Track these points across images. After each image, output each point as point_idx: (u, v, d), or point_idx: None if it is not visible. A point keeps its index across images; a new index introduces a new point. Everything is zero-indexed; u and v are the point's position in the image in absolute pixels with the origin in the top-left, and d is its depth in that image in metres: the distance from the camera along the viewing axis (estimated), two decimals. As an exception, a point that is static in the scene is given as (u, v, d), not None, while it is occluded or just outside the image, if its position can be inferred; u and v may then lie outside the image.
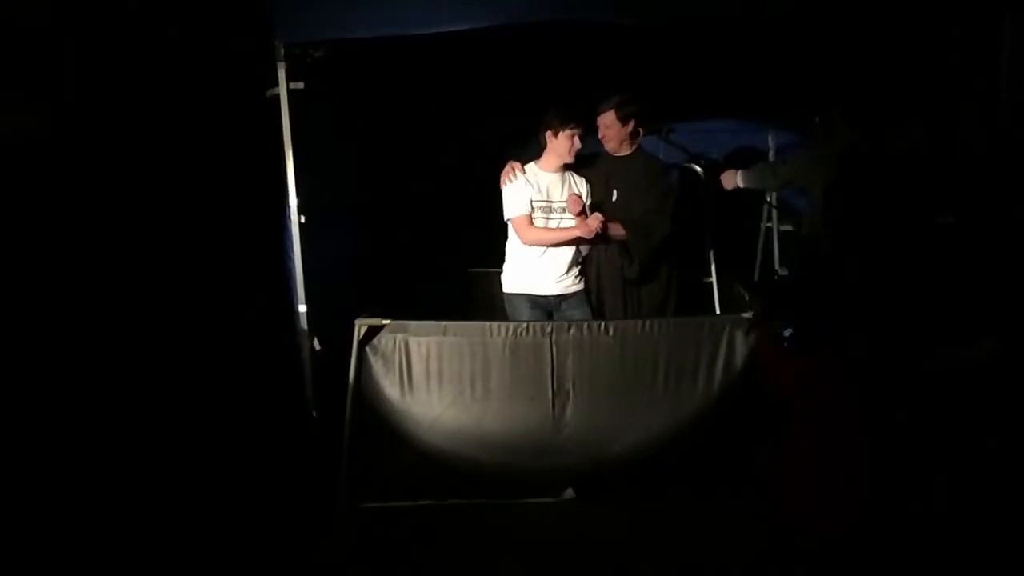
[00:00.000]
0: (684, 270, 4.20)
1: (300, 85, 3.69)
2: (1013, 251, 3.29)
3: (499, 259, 4.01)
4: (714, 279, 4.69)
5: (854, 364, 2.87)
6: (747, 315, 3.44)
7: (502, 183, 3.82)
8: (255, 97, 3.72)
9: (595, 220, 3.63)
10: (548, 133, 3.77)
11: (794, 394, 2.94)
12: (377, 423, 3.46)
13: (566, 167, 3.84)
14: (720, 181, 4.29)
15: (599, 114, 3.88)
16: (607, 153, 3.95)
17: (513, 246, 3.88)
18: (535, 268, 3.81)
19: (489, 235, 4.02)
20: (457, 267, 4.61)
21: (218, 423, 3.29)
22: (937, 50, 3.79)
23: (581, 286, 3.89)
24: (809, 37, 3.97)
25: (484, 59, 4.12)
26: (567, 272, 3.83)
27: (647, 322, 3.49)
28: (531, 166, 3.85)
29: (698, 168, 4.83)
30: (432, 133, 4.93)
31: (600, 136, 3.91)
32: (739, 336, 3.39)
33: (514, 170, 3.79)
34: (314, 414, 3.81)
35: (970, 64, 3.71)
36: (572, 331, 3.45)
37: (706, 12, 3.70)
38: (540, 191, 3.79)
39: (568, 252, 3.81)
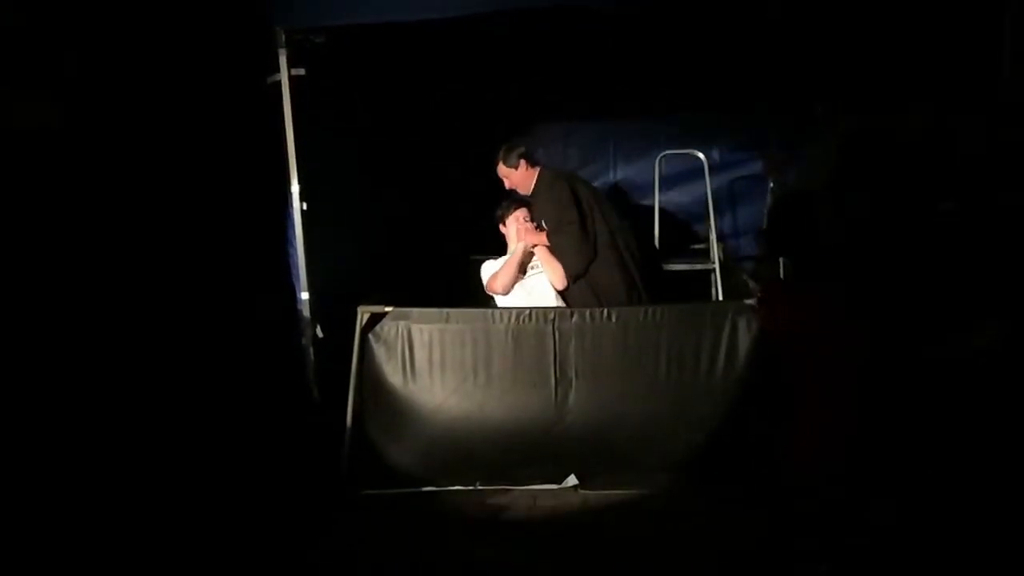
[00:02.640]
0: (653, 260, 4.26)
1: (301, 71, 3.69)
2: (1013, 239, 3.29)
3: (501, 247, 4.00)
4: (717, 266, 4.70)
5: (857, 302, 2.87)
6: (750, 301, 3.44)
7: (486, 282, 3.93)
8: (257, 84, 3.72)
9: (516, 222, 3.85)
10: (500, 227, 3.98)
11: (795, 326, 2.94)
12: (380, 410, 3.47)
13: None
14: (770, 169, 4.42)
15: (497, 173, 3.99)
16: (523, 197, 4.00)
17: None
18: None
19: (491, 222, 4.02)
20: (459, 254, 4.60)
21: (221, 410, 3.30)
22: (938, 44, 3.79)
23: None
24: (812, 27, 3.96)
25: (486, 46, 4.12)
26: None
27: (649, 308, 3.48)
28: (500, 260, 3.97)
29: (699, 155, 4.83)
30: (434, 119, 4.92)
31: (508, 188, 4.00)
32: (742, 322, 3.38)
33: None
34: (317, 401, 3.82)
35: (970, 62, 3.70)
36: (575, 318, 3.45)
37: (707, 3, 3.70)
38: None
39: (548, 297, 3.81)
